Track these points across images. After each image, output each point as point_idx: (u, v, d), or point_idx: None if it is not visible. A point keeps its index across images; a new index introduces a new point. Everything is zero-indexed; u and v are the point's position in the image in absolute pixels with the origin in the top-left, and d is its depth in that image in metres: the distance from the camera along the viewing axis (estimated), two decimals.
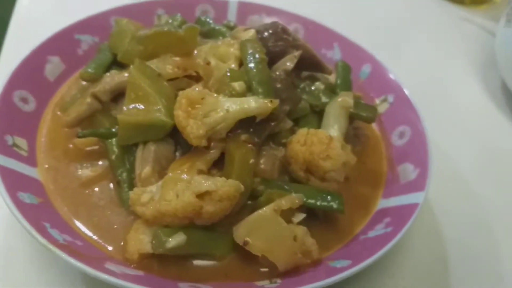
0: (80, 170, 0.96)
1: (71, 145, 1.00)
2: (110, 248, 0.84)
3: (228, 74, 0.95)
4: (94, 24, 1.20)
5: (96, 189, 0.94)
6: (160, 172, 0.90)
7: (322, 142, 0.90)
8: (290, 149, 0.93)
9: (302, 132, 0.94)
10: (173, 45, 0.96)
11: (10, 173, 0.85)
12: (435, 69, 1.56)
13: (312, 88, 1.04)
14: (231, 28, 1.20)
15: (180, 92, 0.88)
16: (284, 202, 0.83)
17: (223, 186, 0.81)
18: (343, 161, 0.90)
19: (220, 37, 1.10)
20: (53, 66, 1.10)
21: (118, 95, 1.00)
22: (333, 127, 0.97)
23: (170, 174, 0.86)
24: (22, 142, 0.95)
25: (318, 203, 0.89)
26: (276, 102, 0.89)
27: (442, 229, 1.06)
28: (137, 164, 0.90)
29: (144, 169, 0.88)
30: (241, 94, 0.93)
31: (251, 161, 0.89)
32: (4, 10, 1.54)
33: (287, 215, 0.85)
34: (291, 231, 0.82)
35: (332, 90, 1.07)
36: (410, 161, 1.01)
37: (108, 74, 1.01)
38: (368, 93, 1.19)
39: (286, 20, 1.31)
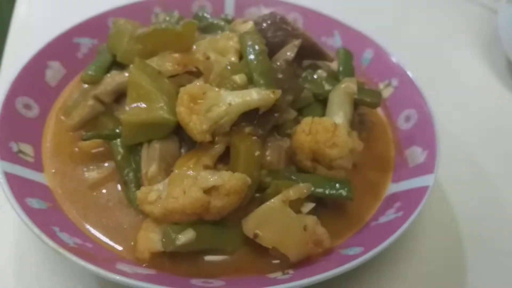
0: (87, 173, 0.96)
1: (76, 149, 1.00)
2: (120, 248, 0.84)
3: (229, 67, 0.94)
4: (92, 26, 1.20)
5: (104, 190, 0.94)
6: (167, 169, 0.89)
7: (327, 130, 0.89)
8: (296, 139, 0.93)
9: (306, 121, 0.93)
10: (172, 42, 0.95)
11: (17, 180, 0.86)
12: (437, 50, 1.54)
13: (314, 76, 1.03)
14: (229, 21, 1.20)
15: (181, 89, 0.87)
16: (292, 193, 0.82)
17: (230, 180, 0.80)
18: (350, 148, 0.89)
19: (219, 31, 1.09)
20: (54, 71, 1.10)
21: (120, 96, 1.00)
22: (338, 114, 0.96)
23: (176, 171, 0.86)
24: (27, 148, 0.95)
25: (327, 191, 0.88)
26: (278, 92, 0.88)
27: (453, 210, 1.05)
28: (143, 163, 0.89)
29: (150, 168, 0.88)
30: (243, 87, 0.92)
31: (257, 153, 0.89)
32: (2, 19, 1.55)
33: (296, 205, 0.84)
34: (301, 221, 0.82)
35: (334, 78, 1.06)
36: (418, 144, 1.00)
37: (108, 75, 1.01)
38: (371, 79, 1.18)
39: (284, 10, 1.31)
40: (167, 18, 1.15)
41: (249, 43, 0.98)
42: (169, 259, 0.83)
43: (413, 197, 0.88)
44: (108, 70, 1.03)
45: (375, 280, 0.91)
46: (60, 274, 0.86)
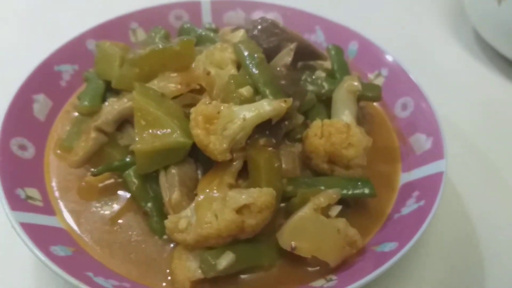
0: (101, 208, 0.93)
1: (83, 183, 0.96)
2: (158, 282, 0.82)
3: (232, 81, 0.93)
4: (71, 51, 1.15)
5: (124, 223, 0.91)
6: (188, 193, 0.88)
7: (341, 132, 0.90)
8: (309, 143, 0.93)
9: (316, 124, 0.94)
10: (170, 61, 0.93)
11: (35, 229, 0.81)
12: (403, 25, 1.57)
13: (314, 77, 1.04)
14: (214, 30, 1.17)
15: (192, 109, 0.85)
16: (323, 199, 0.83)
17: (259, 196, 0.80)
18: (364, 146, 0.91)
19: (207, 43, 1.07)
20: (41, 104, 1.05)
21: (122, 123, 0.96)
22: (344, 113, 0.98)
23: (201, 196, 0.84)
24: (34, 192, 0.90)
25: (351, 192, 0.90)
26: (290, 101, 0.88)
27: (457, 188, 1.09)
28: (163, 191, 0.87)
29: (172, 195, 0.86)
30: (250, 99, 0.91)
31: (277, 164, 0.89)
32: None
33: (324, 210, 0.85)
34: (333, 226, 0.83)
35: (332, 76, 1.07)
36: (421, 131, 1.03)
37: (106, 103, 0.97)
38: (361, 70, 1.20)
39: (263, 11, 1.30)
40: (152, 34, 1.11)
41: (246, 53, 0.97)
42: (210, 284, 0.82)
43: (430, 185, 0.91)
44: (103, 97, 0.99)
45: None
46: None
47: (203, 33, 1.11)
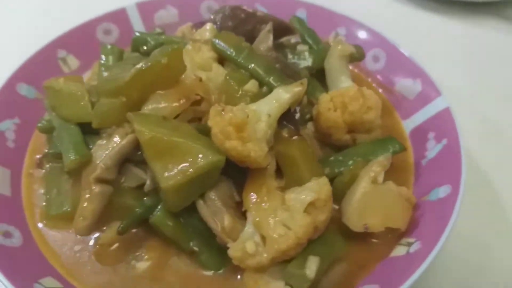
0: (134, 265, 0.79)
1: (98, 247, 0.80)
2: None
3: (231, 80, 0.84)
4: (3, 104, 0.93)
5: (168, 273, 0.78)
6: (235, 213, 0.78)
7: (356, 98, 0.87)
8: (325, 120, 0.89)
9: (325, 99, 0.90)
10: (160, 78, 0.80)
11: None
12: None
13: (296, 53, 0.99)
14: (162, 34, 1.05)
15: (211, 123, 0.75)
16: (378, 169, 0.80)
17: (320, 189, 0.75)
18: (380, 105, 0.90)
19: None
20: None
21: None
22: (342, 80, 0.95)
23: (253, 211, 0.76)
24: (51, 281, 0.73)
25: (383, 153, 0.88)
26: (305, 81, 0.82)
27: None
28: (209, 222, 0.76)
29: (224, 223, 0.76)
30: (259, 93, 0.84)
31: (310, 150, 0.83)
32: None
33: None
34: (392, 191, 0.81)
35: (310, 47, 1.03)
36: (404, 76, 1.05)
37: (94, 149, 0.81)
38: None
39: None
40: (104, 58, 0.95)
41: (230, 46, 0.89)
42: None
43: (442, 122, 0.94)
44: (86, 144, 0.82)
45: None
46: None
47: (162, 37, 0.97)
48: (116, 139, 0.80)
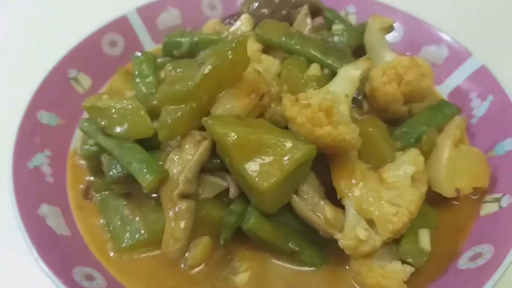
0: (234, 280, 0.73)
1: (186, 267, 0.74)
2: None
3: (292, 68, 0.80)
4: (28, 137, 0.82)
5: (272, 279, 0.74)
6: (330, 202, 0.74)
7: (410, 67, 0.86)
8: (383, 94, 0.86)
9: (377, 73, 0.87)
10: (227, 76, 0.73)
11: None
12: None
13: (334, 33, 0.96)
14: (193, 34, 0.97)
15: (291, 112, 0.71)
16: (458, 131, 0.80)
17: (416, 160, 0.74)
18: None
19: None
20: (53, 221, 0.75)
21: None
22: (382, 52, 0.93)
23: (350, 195, 0.72)
24: None
25: (444, 119, 0.88)
26: (371, 57, 0.80)
27: None
28: (310, 216, 0.72)
29: (326, 214, 0.72)
30: (322, 76, 0.81)
31: (384, 127, 0.81)
32: None
33: None
34: (472, 150, 0.82)
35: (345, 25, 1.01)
36: (427, 43, 1.06)
37: (169, 163, 0.72)
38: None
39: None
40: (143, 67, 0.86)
41: (279, 34, 0.84)
42: None
43: (482, 80, 0.96)
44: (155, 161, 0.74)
45: None
46: None
47: (195, 39, 0.89)
48: (188, 148, 0.73)
